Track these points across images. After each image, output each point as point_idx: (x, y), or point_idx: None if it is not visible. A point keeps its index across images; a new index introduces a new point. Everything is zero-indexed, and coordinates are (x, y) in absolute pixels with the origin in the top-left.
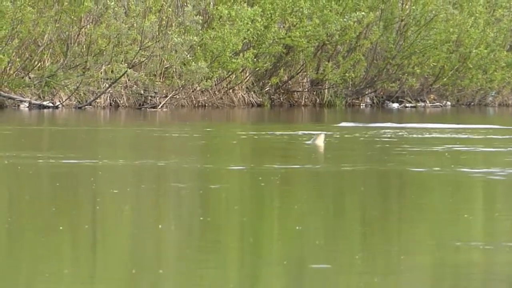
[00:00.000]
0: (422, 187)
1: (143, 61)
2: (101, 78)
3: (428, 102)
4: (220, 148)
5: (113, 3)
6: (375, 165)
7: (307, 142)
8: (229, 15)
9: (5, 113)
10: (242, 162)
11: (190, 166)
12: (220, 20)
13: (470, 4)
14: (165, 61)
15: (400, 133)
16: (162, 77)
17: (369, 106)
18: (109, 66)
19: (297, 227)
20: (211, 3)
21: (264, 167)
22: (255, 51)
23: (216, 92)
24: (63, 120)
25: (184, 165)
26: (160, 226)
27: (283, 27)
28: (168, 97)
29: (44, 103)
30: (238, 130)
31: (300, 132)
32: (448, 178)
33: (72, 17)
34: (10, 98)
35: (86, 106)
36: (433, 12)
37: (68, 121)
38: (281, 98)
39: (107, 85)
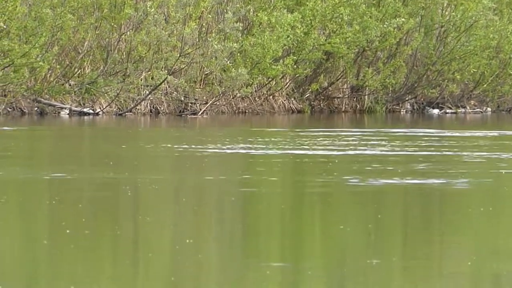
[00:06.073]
0: (458, 196)
1: (183, 68)
2: (141, 85)
3: (468, 108)
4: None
5: (153, 10)
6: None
7: None
8: (269, 22)
9: (45, 120)
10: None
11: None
12: (260, 26)
13: (511, 10)
14: (205, 68)
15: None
16: (202, 83)
17: (410, 112)
18: (149, 73)
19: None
20: (251, 10)
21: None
22: (295, 57)
23: (256, 98)
24: (103, 128)
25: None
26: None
27: (323, 33)
28: (208, 104)
29: (85, 110)
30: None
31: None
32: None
33: (112, 24)
34: (50, 105)
35: (126, 113)
36: (473, 18)
37: (108, 128)
38: (322, 104)
39: (147, 92)
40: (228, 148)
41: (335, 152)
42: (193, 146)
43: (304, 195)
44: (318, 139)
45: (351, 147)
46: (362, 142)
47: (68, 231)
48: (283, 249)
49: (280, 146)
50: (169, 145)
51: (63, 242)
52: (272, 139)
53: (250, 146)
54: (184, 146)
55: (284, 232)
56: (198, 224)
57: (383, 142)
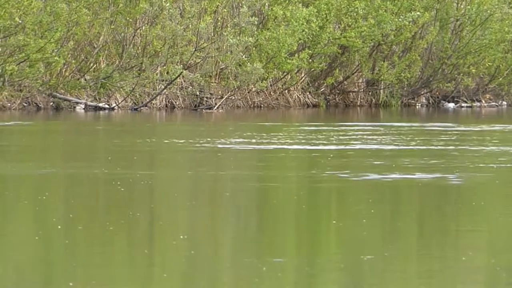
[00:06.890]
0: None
1: (198, 62)
2: (156, 80)
3: (483, 102)
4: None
5: (168, 4)
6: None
7: None
8: (284, 16)
9: (61, 115)
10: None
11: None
12: (275, 21)
13: None
14: (221, 62)
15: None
16: (218, 78)
17: (425, 106)
18: (164, 67)
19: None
20: (266, 4)
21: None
22: (310, 51)
23: (271, 92)
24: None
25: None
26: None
27: (338, 27)
28: (224, 98)
29: (100, 104)
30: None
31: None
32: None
33: (128, 18)
34: (66, 100)
35: (141, 108)
36: (488, 11)
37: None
38: (337, 99)
39: (162, 87)
40: (241, 143)
41: (348, 147)
42: (207, 140)
43: (316, 189)
44: (334, 134)
45: (365, 142)
46: (379, 137)
47: (80, 226)
48: (296, 243)
49: (294, 141)
50: (182, 140)
51: (70, 237)
52: (286, 134)
53: (263, 141)
54: (198, 141)
55: (297, 227)
56: (210, 219)
57: (402, 136)
